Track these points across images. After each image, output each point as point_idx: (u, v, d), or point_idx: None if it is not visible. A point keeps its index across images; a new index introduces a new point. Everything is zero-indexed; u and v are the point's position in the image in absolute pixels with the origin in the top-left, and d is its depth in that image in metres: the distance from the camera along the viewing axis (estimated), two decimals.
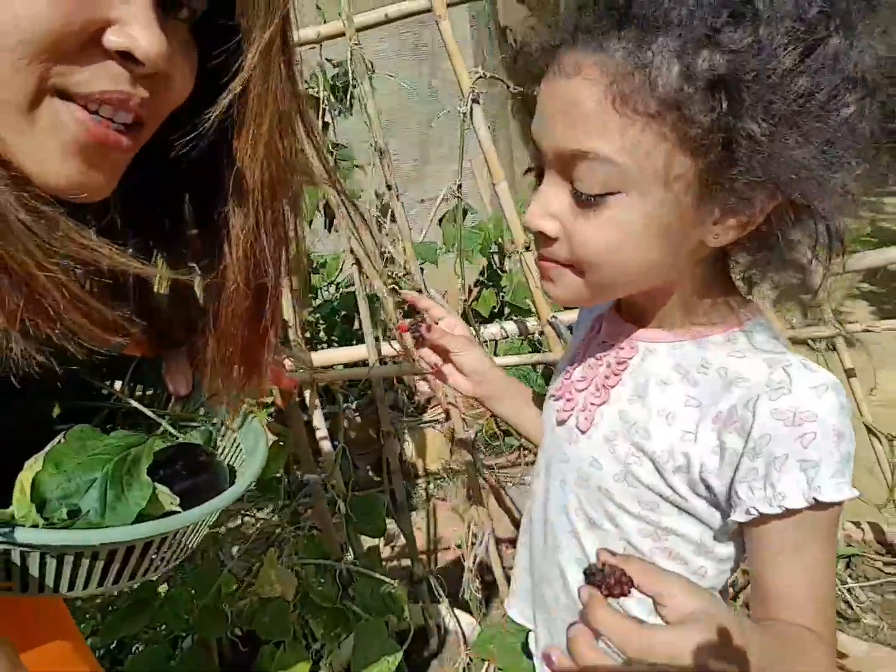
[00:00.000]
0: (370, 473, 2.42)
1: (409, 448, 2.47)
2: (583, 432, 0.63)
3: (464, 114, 1.14)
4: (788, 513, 0.51)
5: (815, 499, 0.50)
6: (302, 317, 1.55)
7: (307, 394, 1.43)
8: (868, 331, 1.17)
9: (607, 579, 0.43)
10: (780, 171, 0.47)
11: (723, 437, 0.54)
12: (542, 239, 0.56)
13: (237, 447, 0.66)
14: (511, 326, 1.38)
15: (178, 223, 0.58)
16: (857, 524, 1.53)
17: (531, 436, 0.83)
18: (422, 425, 2.33)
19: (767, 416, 0.50)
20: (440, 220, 1.96)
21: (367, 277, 1.33)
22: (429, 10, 1.15)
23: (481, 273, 2.31)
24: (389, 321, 1.35)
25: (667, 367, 0.59)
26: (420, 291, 1.27)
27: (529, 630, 0.79)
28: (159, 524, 0.47)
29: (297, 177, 0.57)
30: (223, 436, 0.67)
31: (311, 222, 1.50)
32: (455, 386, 0.78)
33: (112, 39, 0.40)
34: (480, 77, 1.13)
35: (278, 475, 1.38)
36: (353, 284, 2.64)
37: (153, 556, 0.50)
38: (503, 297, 1.89)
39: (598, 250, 0.53)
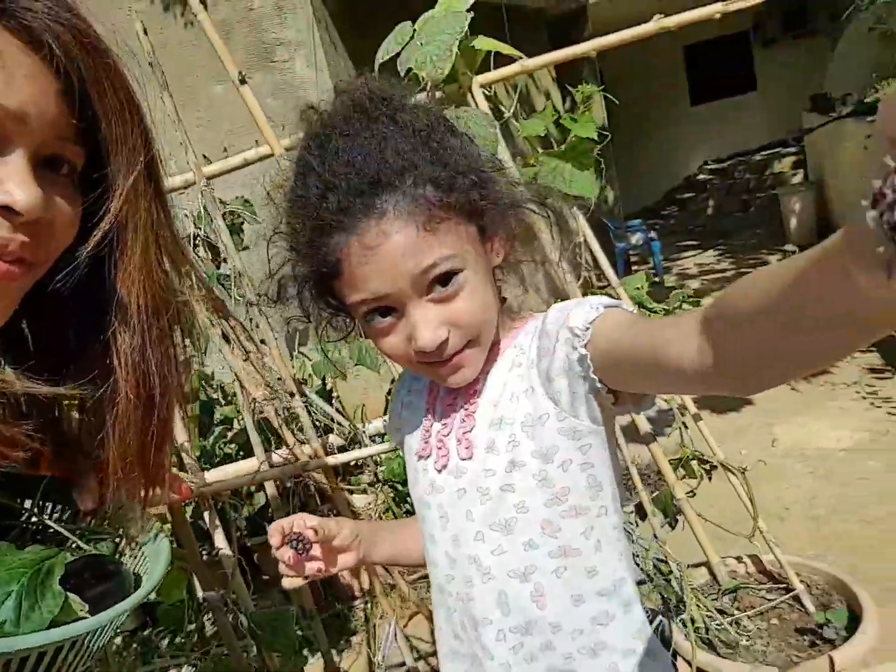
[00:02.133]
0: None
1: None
2: (469, 458, 0.81)
3: None
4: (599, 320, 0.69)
5: (602, 306, 0.70)
6: (194, 441, 1.66)
7: (206, 515, 1.52)
8: None
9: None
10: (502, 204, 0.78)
11: (541, 361, 0.75)
12: (438, 348, 0.74)
13: (143, 556, 0.78)
14: None
15: (77, 344, 0.68)
16: (739, 559, 1.75)
17: (412, 552, 0.97)
18: None
19: (549, 317, 0.75)
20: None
21: (247, 391, 1.47)
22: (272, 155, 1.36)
23: (392, 381, 2.48)
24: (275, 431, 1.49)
25: (502, 376, 0.81)
26: (292, 395, 1.43)
27: None
28: (68, 629, 0.58)
29: (180, 298, 0.69)
30: (130, 546, 0.78)
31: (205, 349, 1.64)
32: (345, 567, 0.91)
33: None
34: None
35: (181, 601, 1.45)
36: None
37: (63, 662, 0.60)
38: None
39: (480, 312, 0.75)
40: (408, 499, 1.91)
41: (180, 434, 1.44)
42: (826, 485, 2.94)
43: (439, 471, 0.84)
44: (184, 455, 1.50)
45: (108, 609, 0.62)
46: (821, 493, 2.89)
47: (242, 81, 1.33)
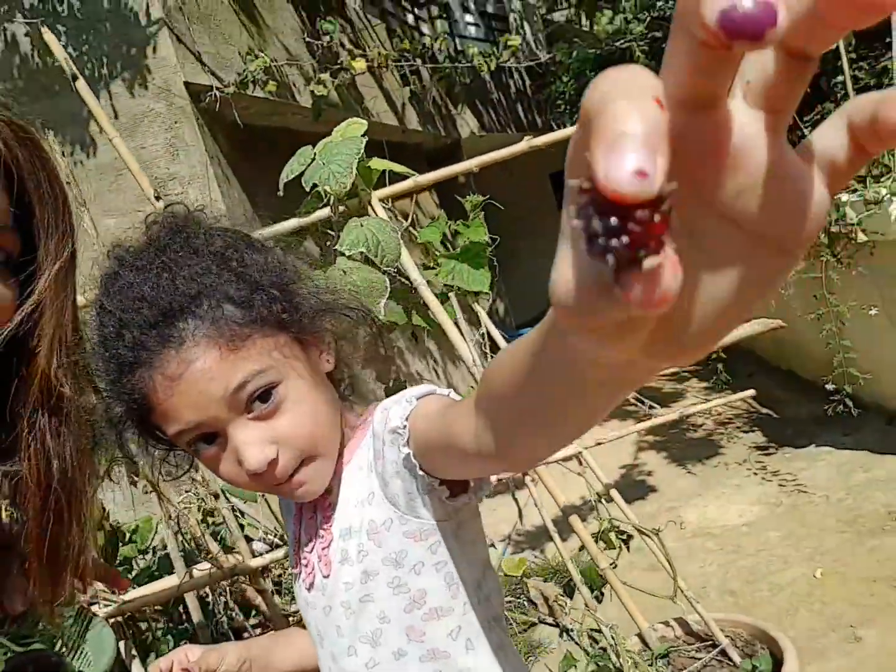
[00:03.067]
0: None
1: None
2: (328, 576, 0.79)
3: None
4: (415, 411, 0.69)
5: (414, 398, 0.70)
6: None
7: (121, 645, 1.45)
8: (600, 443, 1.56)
9: None
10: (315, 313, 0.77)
11: (376, 463, 0.74)
12: (269, 468, 0.71)
13: (84, 653, 0.76)
14: None
15: None
16: (666, 623, 1.83)
17: (312, 657, 0.92)
18: None
19: (376, 418, 0.74)
20: None
21: (167, 501, 1.46)
22: None
23: None
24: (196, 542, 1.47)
25: (349, 480, 0.80)
26: (216, 497, 1.43)
27: None
28: None
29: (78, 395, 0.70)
30: (68, 643, 0.77)
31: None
32: None
33: None
34: None
35: None
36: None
37: None
38: None
39: (310, 423, 0.74)
40: None
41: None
42: (736, 559, 3.10)
43: (308, 589, 0.83)
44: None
45: None
46: (732, 567, 3.04)
47: (158, 198, 1.43)
